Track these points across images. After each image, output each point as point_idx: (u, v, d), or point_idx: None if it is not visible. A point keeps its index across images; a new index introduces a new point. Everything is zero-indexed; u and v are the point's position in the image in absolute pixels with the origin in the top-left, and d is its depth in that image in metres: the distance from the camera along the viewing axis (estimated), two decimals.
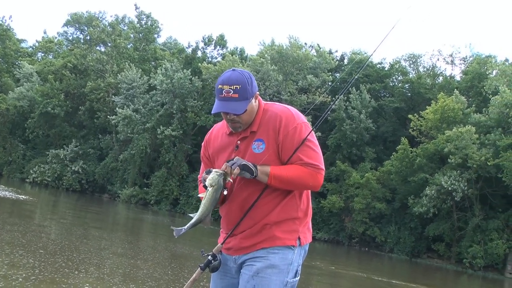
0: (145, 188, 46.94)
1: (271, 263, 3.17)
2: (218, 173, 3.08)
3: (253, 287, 3.15)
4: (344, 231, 38.87)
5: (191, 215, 3.23)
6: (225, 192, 3.14)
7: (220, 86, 3.12)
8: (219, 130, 3.42)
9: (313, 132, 3.19)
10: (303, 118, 3.23)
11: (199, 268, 3.23)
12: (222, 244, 3.27)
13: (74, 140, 52.03)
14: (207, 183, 3.08)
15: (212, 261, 3.21)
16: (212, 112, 3.22)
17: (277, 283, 3.16)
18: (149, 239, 20.46)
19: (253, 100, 3.18)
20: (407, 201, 36.47)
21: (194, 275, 3.28)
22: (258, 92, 3.25)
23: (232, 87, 3.09)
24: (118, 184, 48.63)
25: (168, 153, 46.70)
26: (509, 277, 33.85)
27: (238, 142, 3.23)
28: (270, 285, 3.15)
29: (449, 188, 34.00)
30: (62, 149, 51.39)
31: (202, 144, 3.54)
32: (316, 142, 3.21)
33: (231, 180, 3.10)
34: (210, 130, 3.54)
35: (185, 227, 3.20)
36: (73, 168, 50.16)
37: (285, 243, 3.20)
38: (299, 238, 3.26)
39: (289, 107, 3.28)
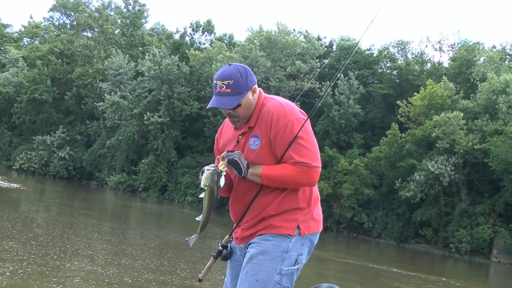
0: (133, 175, 46.80)
1: (262, 249, 3.20)
2: (210, 171, 3.13)
3: (246, 273, 3.20)
4: (332, 217, 38.96)
5: (197, 219, 3.28)
6: (222, 183, 3.17)
7: (215, 81, 3.19)
8: (228, 122, 3.44)
9: (307, 128, 3.17)
10: (297, 114, 3.19)
11: (212, 257, 3.40)
12: (229, 235, 3.39)
13: (61, 127, 51.58)
14: (201, 184, 3.13)
15: (224, 251, 3.39)
16: (207, 107, 3.29)
17: (269, 269, 3.17)
18: (142, 228, 20.33)
19: (250, 94, 3.20)
20: (395, 187, 36.63)
21: (209, 263, 3.41)
22: (255, 86, 3.26)
23: (225, 82, 3.14)
24: (106, 171, 48.42)
25: (156, 140, 46.51)
26: (494, 261, 34.24)
27: (240, 137, 3.28)
28: (261, 270, 3.17)
29: (436, 172, 34.22)
30: (49, 136, 51.00)
31: (215, 137, 3.59)
32: (310, 138, 3.17)
33: (224, 173, 3.16)
34: (223, 123, 3.57)
35: (197, 233, 3.32)
36: (60, 154, 49.79)
37: (281, 231, 3.21)
38: (298, 228, 3.24)
39: (284, 102, 3.25)
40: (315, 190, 3.37)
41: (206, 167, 3.17)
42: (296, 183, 3.17)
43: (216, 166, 3.16)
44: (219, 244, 3.40)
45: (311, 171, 3.14)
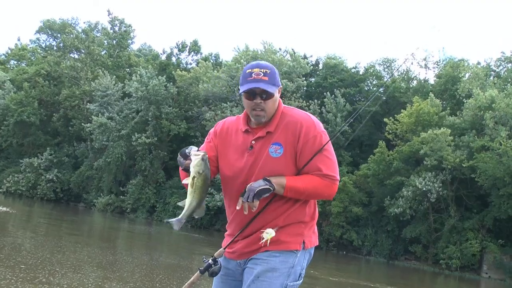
0: (121, 196, 46.52)
1: (271, 266, 3.15)
2: (200, 157, 2.99)
3: None
4: (322, 235, 38.84)
5: (180, 204, 3.16)
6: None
7: (249, 70, 3.16)
8: (232, 124, 3.37)
9: (330, 142, 3.20)
10: (322, 127, 3.24)
11: (198, 271, 3.18)
12: (225, 248, 3.25)
13: (48, 149, 51.26)
14: (193, 170, 2.98)
15: (212, 265, 3.16)
16: (240, 91, 3.18)
17: (278, 286, 3.14)
18: (131, 249, 20.13)
19: (277, 92, 3.20)
20: (384, 204, 36.66)
21: (192, 278, 3.21)
22: (281, 87, 3.27)
23: (262, 70, 3.13)
24: (94, 193, 48.14)
25: (144, 161, 46.37)
26: (485, 277, 34.26)
27: (253, 142, 3.19)
28: None
29: (424, 189, 34.33)
30: (36, 158, 50.63)
31: (211, 131, 3.48)
32: (333, 152, 3.21)
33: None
34: (222, 121, 3.48)
35: (181, 217, 3.11)
36: (47, 176, 49.41)
37: (289, 247, 3.20)
38: (303, 242, 3.25)
39: (310, 114, 3.28)
40: (316, 205, 3.36)
41: (192, 151, 3.04)
42: (318, 194, 3.18)
43: (205, 152, 3.03)
44: (205, 258, 3.21)
45: (334, 184, 3.18)
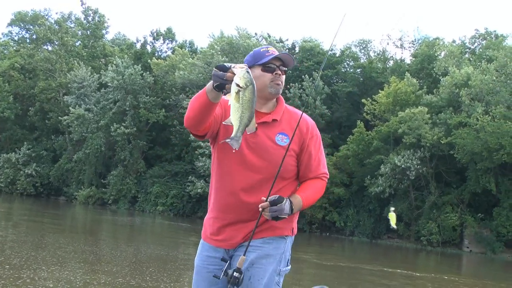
0: (102, 188, 46.33)
1: (265, 252, 3.21)
2: (244, 69, 2.83)
3: (248, 278, 3.17)
4: (304, 217, 39.05)
5: (225, 122, 3.02)
6: None
7: (263, 49, 3.31)
8: None
9: None
10: None
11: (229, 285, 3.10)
12: (244, 254, 3.12)
13: (26, 143, 50.75)
14: (240, 82, 2.80)
15: (236, 275, 3.06)
16: (264, 61, 3.24)
17: (271, 272, 3.22)
18: (118, 242, 20.00)
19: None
20: (365, 184, 36.94)
21: None
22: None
23: (276, 49, 3.30)
24: (74, 186, 47.85)
25: (124, 151, 46.17)
26: (466, 251, 34.77)
27: (256, 125, 3.10)
28: (266, 274, 3.20)
29: (403, 166, 34.65)
30: (14, 153, 50.16)
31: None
32: None
33: None
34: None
35: (235, 134, 2.91)
36: (26, 171, 48.89)
37: (283, 233, 3.29)
38: (292, 229, 3.36)
39: None
40: None
41: (237, 65, 2.87)
42: (319, 197, 3.44)
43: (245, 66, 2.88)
44: (220, 275, 3.13)
45: (326, 182, 3.48)
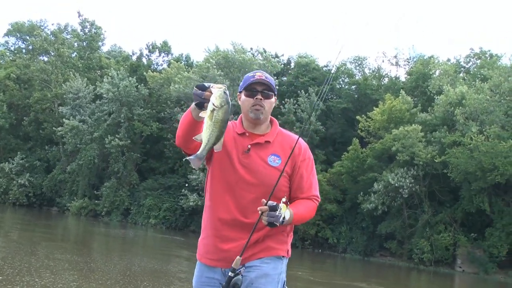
0: (95, 200, 46.08)
1: (264, 272, 3.26)
2: (222, 90, 2.96)
3: None
4: (297, 234, 38.94)
5: (196, 138, 3.07)
6: None
7: (251, 74, 3.40)
8: (228, 127, 3.36)
9: None
10: None
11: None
12: (240, 256, 3.17)
13: (19, 153, 50.51)
14: (215, 102, 2.93)
15: (234, 277, 3.14)
16: (240, 89, 3.40)
17: None
18: (112, 254, 19.94)
19: (274, 100, 3.45)
20: (358, 200, 36.91)
21: None
22: (276, 98, 3.52)
23: (264, 74, 3.38)
24: (67, 196, 47.60)
25: (117, 163, 46.01)
26: (459, 270, 34.67)
27: (249, 146, 3.33)
28: None
29: (396, 185, 34.68)
30: (7, 163, 49.88)
31: None
32: None
33: None
34: None
35: (200, 152, 3.03)
36: (19, 181, 48.53)
37: (278, 253, 3.35)
38: (287, 250, 3.44)
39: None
40: None
41: (214, 85, 3.01)
42: (309, 218, 3.52)
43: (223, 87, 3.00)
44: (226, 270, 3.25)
45: (317, 205, 3.54)
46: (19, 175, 49.13)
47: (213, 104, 2.93)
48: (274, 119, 3.52)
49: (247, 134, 3.38)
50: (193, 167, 3.10)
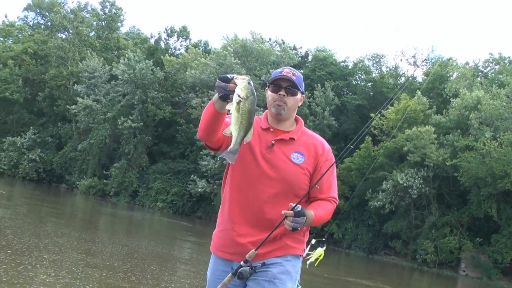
0: (103, 180, 46.32)
1: (286, 269, 3.31)
2: (246, 81, 2.94)
3: None
4: None
5: (225, 132, 3.10)
6: None
7: (280, 69, 3.40)
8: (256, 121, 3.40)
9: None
10: None
11: (230, 273, 3.24)
12: (256, 250, 3.21)
13: (31, 128, 50.72)
14: (241, 94, 2.92)
15: (245, 267, 3.21)
16: (268, 83, 3.40)
17: None
18: (119, 235, 19.89)
19: (300, 97, 3.44)
20: (366, 197, 36.87)
21: (224, 280, 3.27)
22: (304, 96, 3.54)
23: (292, 71, 3.39)
24: (77, 175, 47.83)
25: (128, 144, 46.19)
26: (462, 274, 34.61)
27: (273, 141, 3.34)
28: None
29: (405, 184, 34.61)
30: (19, 137, 50.18)
31: None
32: None
33: None
34: None
35: (233, 147, 3.01)
36: (30, 156, 48.86)
37: (296, 252, 3.39)
38: (303, 249, 3.48)
39: None
40: None
41: (238, 76, 2.98)
42: (327, 220, 3.48)
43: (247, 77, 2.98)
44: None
45: (335, 206, 3.52)
46: (30, 150, 49.40)
47: (239, 96, 2.92)
48: (300, 118, 3.54)
49: (271, 129, 3.39)
50: (231, 163, 3.09)
